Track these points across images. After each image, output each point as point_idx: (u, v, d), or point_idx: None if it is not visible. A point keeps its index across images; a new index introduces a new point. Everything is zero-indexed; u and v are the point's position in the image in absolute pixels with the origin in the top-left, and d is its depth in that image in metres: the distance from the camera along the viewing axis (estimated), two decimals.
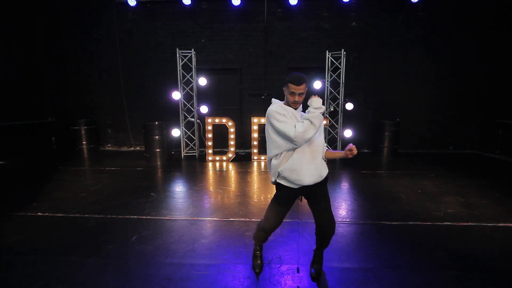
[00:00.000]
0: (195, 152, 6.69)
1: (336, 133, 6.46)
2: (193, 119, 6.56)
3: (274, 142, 1.93)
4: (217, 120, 6.06)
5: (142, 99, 7.37)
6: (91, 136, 6.99)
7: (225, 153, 6.32)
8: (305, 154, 1.91)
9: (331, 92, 6.40)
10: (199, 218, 3.30)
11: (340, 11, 6.76)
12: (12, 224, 3.12)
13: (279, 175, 1.96)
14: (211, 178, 5.03)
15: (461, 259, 2.44)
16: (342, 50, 6.03)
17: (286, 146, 1.89)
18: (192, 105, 6.57)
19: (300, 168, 1.89)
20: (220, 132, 6.81)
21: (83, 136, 6.85)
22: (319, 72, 6.59)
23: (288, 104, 1.97)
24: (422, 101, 7.00)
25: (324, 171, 2.01)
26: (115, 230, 2.99)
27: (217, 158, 6.19)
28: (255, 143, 6.04)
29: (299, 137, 1.81)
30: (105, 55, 7.21)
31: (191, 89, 6.49)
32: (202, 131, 6.66)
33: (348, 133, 6.58)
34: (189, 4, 6.70)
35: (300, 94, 1.90)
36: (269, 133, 1.95)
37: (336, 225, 3.11)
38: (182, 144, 6.61)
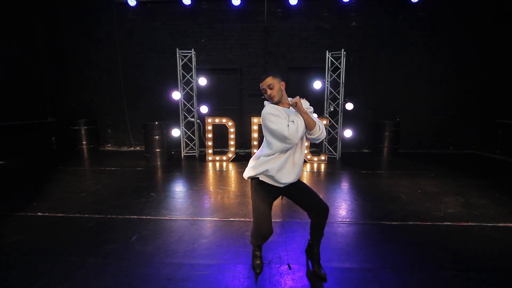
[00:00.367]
0: (195, 152, 6.69)
1: (336, 133, 6.46)
2: (193, 119, 6.56)
3: (270, 144, 1.99)
4: (217, 120, 6.06)
5: (142, 99, 7.37)
6: (91, 136, 6.99)
7: (225, 153, 6.32)
8: (294, 155, 2.03)
9: (331, 92, 6.40)
10: (199, 218, 3.30)
11: (340, 11, 6.76)
12: (12, 224, 3.12)
13: (263, 173, 2.02)
14: (211, 178, 5.03)
15: (461, 259, 2.44)
16: (342, 50, 6.03)
17: (281, 147, 1.94)
18: (192, 105, 6.57)
19: (286, 168, 2.00)
20: (220, 132, 6.81)
21: (83, 136, 6.85)
22: (319, 72, 6.59)
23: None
24: (422, 101, 7.00)
25: (301, 171, 2.14)
26: (115, 230, 2.99)
27: (217, 158, 6.19)
28: (255, 143, 6.04)
29: (292, 135, 1.88)
30: (105, 55, 7.21)
31: (191, 89, 6.50)
32: (202, 131, 6.66)
33: (348, 133, 6.58)
34: (189, 4, 6.70)
35: (269, 87, 1.99)
36: (265, 135, 2.03)
37: (336, 225, 3.14)
38: (182, 144, 6.61)
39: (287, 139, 1.88)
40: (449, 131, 7.11)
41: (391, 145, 6.48)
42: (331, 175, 5.14)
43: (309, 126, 1.95)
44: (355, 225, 3.12)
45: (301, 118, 1.94)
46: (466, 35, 6.67)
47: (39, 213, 3.41)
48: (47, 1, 6.80)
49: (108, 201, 3.80)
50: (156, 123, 5.98)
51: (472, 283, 2.14)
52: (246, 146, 7.27)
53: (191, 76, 6.43)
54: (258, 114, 6.13)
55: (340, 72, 6.18)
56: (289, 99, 2.05)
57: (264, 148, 2.06)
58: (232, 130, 6.09)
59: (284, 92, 2.07)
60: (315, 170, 5.51)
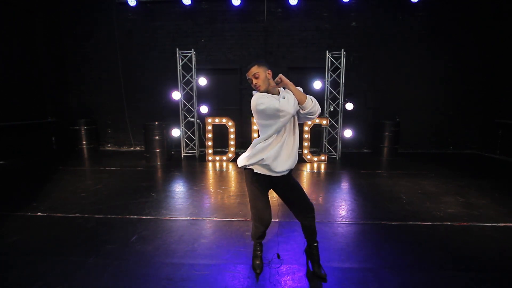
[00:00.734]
0: (195, 152, 6.69)
1: (336, 133, 6.46)
2: (193, 119, 6.56)
3: (264, 127, 1.98)
4: (217, 120, 6.06)
5: (142, 99, 7.37)
6: (91, 136, 6.99)
7: (225, 153, 6.32)
8: (288, 143, 2.01)
9: (331, 92, 6.40)
10: (199, 218, 3.30)
11: (340, 11, 6.76)
12: (12, 224, 3.12)
13: (258, 162, 2.01)
14: (211, 178, 5.03)
15: (461, 259, 2.44)
16: (342, 50, 6.03)
17: (276, 125, 1.91)
18: (192, 105, 6.57)
19: (281, 156, 1.99)
20: (220, 132, 6.81)
21: (83, 136, 6.85)
22: (319, 72, 6.59)
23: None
24: (422, 101, 7.00)
25: (296, 159, 2.10)
26: (115, 230, 2.99)
27: (217, 158, 6.19)
28: None
29: (284, 105, 1.86)
30: (105, 55, 7.21)
31: (191, 89, 6.50)
32: (202, 131, 6.66)
33: (348, 133, 6.59)
34: (189, 4, 6.69)
35: (255, 76, 1.97)
36: (259, 122, 2.00)
37: (336, 225, 3.14)
38: (182, 144, 6.61)
39: (280, 111, 1.86)
40: (449, 131, 7.11)
41: (391, 145, 6.48)
42: (331, 175, 5.14)
43: (300, 99, 1.94)
44: (355, 225, 3.12)
45: (291, 93, 1.94)
46: (466, 35, 6.67)
47: (39, 213, 3.41)
48: (47, 1, 6.80)
49: (108, 201, 3.80)
50: (156, 123, 5.98)
51: (472, 283, 2.14)
52: (246, 146, 7.20)
53: (191, 76, 6.43)
54: None
55: (340, 72, 6.18)
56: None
57: (260, 135, 2.05)
58: (232, 130, 6.09)
59: (271, 81, 2.03)
60: (315, 170, 5.51)
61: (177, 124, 6.63)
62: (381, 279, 2.18)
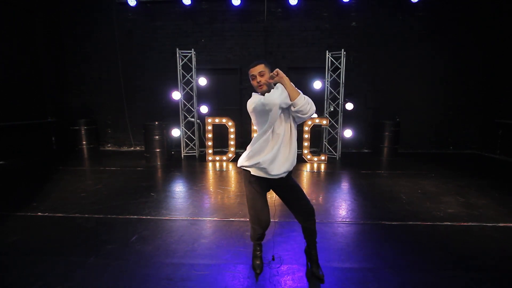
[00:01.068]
0: (195, 152, 6.69)
1: (336, 133, 6.46)
2: (193, 119, 6.56)
3: (259, 124, 2.00)
4: (217, 120, 6.06)
5: (142, 99, 7.37)
6: (91, 136, 6.99)
7: (225, 153, 6.32)
8: (286, 146, 2.01)
9: (331, 92, 6.40)
10: (199, 218, 3.30)
11: (340, 11, 6.76)
12: (12, 224, 3.12)
13: (255, 166, 2.02)
14: (211, 178, 5.03)
15: (461, 259, 2.45)
16: (342, 50, 6.04)
17: (268, 119, 1.91)
18: (192, 105, 6.57)
19: (277, 160, 1.98)
20: (220, 132, 6.81)
21: (83, 136, 6.85)
22: (319, 72, 6.59)
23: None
24: (422, 101, 7.00)
25: (294, 162, 2.08)
26: (115, 230, 2.99)
27: (217, 158, 6.19)
28: None
29: (267, 99, 1.86)
30: (105, 55, 7.21)
31: (191, 89, 6.50)
32: (202, 131, 6.66)
33: (348, 133, 6.59)
34: (189, 4, 6.69)
35: (260, 74, 1.97)
36: (254, 122, 2.04)
37: (336, 225, 3.14)
38: (182, 144, 6.61)
39: (265, 105, 1.85)
40: (449, 131, 7.11)
41: (391, 145, 6.48)
42: (331, 175, 5.14)
43: (291, 95, 1.90)
44: (355, 225, 3.12)
45: (280, 87, 1.93)
46: (466, 35, 6.67)
47: (39, 213, 3.41)
48: (47, 1, 6.80)
49: (108, 201, 3.80)
50: (156, 123, 5.98)
51: (472, 283, 2.14)
52: (246, 146, 7.24)
53: (191, 76, 6.43)
54: None
55: (340, 72, 6.18)
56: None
57: (258, 129, 2.04)
58: (232, 130, 6.09)
59: (271, 81, 2.02)
60: (315, 170, 5.51)
61: (177, 124, 6.63)
62: (381, 279, 2.18)
